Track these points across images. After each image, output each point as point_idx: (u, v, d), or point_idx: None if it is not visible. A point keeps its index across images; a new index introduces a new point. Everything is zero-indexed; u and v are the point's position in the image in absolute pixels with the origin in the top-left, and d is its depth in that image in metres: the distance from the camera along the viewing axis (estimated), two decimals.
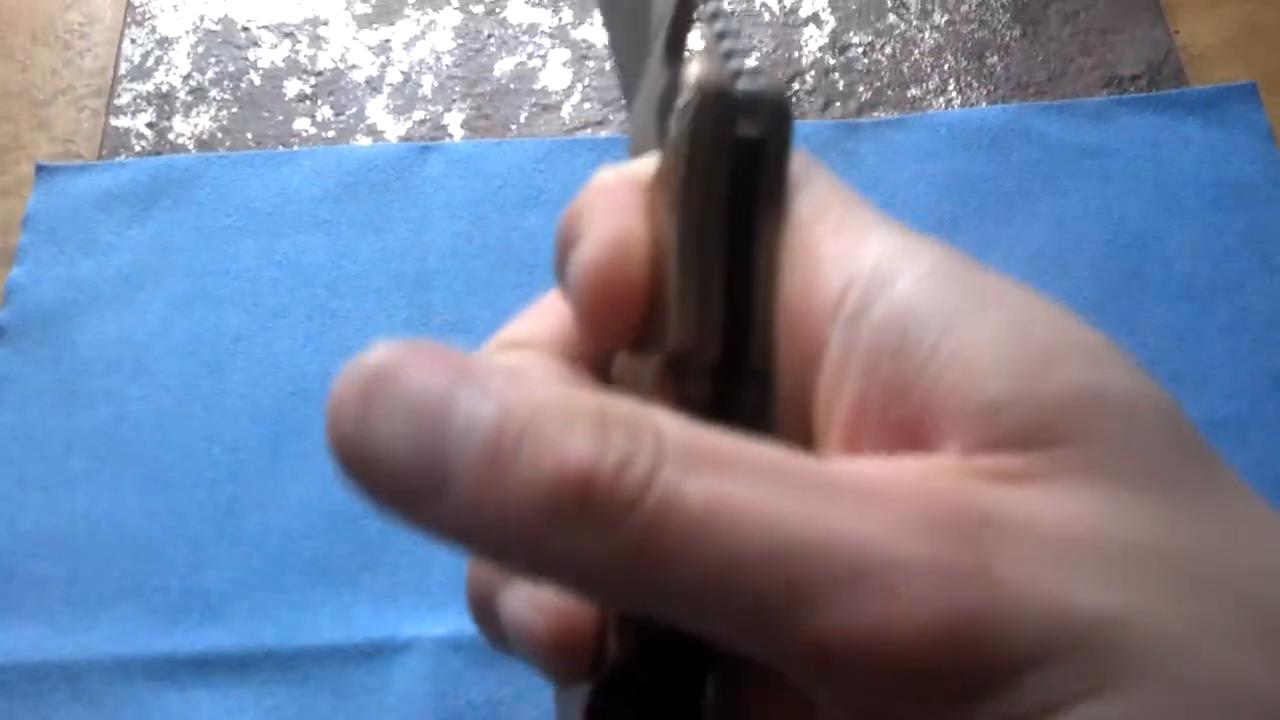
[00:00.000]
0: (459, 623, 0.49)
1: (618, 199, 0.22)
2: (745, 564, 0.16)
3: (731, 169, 0.20)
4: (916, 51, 0.62)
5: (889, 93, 0.61)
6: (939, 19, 0.63)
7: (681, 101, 0.20)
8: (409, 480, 0.17)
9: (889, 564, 0.16)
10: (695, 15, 0.23)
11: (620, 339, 0.22)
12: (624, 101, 0.26)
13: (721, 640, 0.17)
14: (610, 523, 0.16)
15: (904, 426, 0.19)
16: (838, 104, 0.61)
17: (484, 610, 0.24)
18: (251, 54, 0.64)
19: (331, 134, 0.61)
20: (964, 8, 0.64)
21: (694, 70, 0.20)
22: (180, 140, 0.62)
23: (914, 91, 0.61)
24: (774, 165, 0.21)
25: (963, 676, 0.16)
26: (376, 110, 0.62)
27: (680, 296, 0.20)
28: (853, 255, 0.20)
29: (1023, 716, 0.16)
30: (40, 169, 0.60)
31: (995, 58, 0.62)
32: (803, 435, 0.20)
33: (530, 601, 0.22)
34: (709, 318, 0.20)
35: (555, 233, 0.23)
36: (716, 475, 0.16)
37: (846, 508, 0.16)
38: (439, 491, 0.17)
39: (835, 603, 0.16)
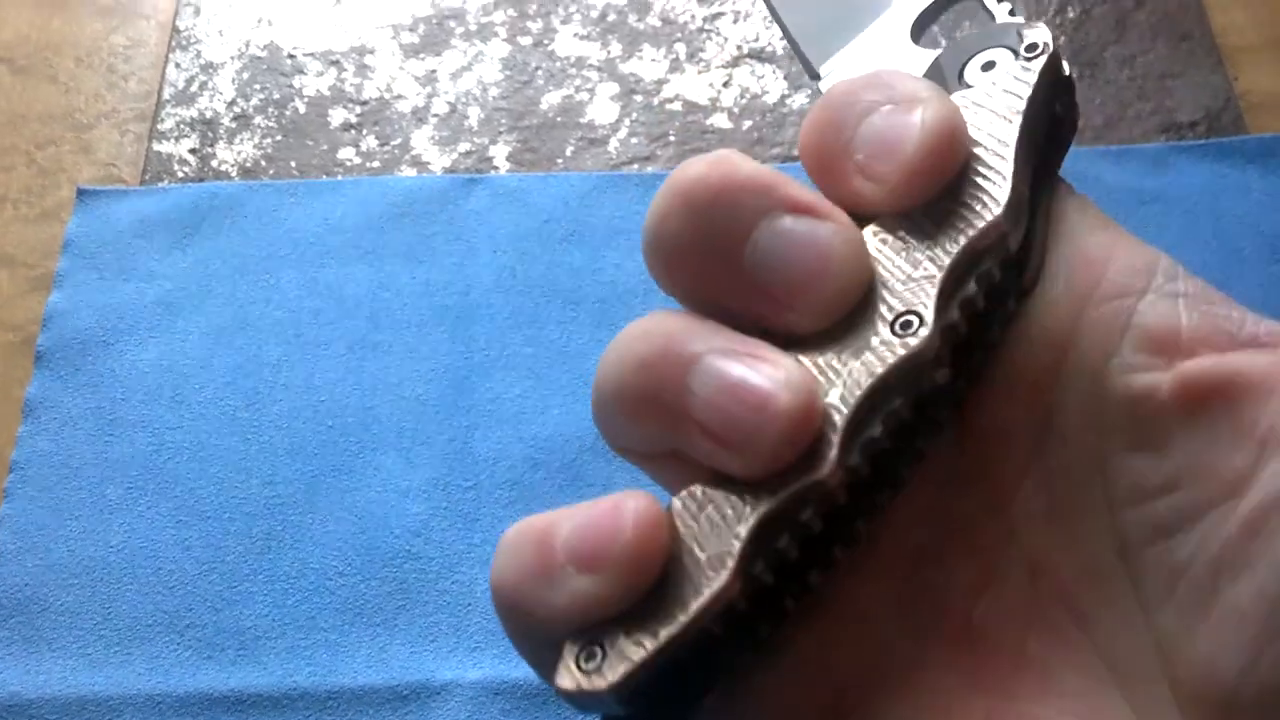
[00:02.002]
0: (497, 667, 0.48)
1: (926, 83, 0.23)
2: None
3: (1052, 109, 0.25)
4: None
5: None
6: None
7: (1027, 44, 0.24)
8: None
9: None
10: None
11: (927, 195, 0.23)
12: (801, 65, 0.29)
13: None
14: None
15: None
16: None
17: (663, 385, 0.22)
18: (297, 81, 0.64)
19: (376, 164, 0.61)
20: None
21: (1039, 30, 0.24)
22: (223, 167, 0.61)
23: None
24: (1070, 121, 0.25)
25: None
26: (422, 141, 0.61)
27: (1013, 184, 0.23)
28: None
29: None
30: (81, 193, 0.60)
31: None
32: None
33: (777, 374, 0.21)
34: (1023, 212, 0.23)
35: (833, 101, 0.24)
36: None
37: None
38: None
39: None
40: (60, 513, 0.52)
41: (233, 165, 0.61)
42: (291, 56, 0.65)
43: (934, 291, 0.22)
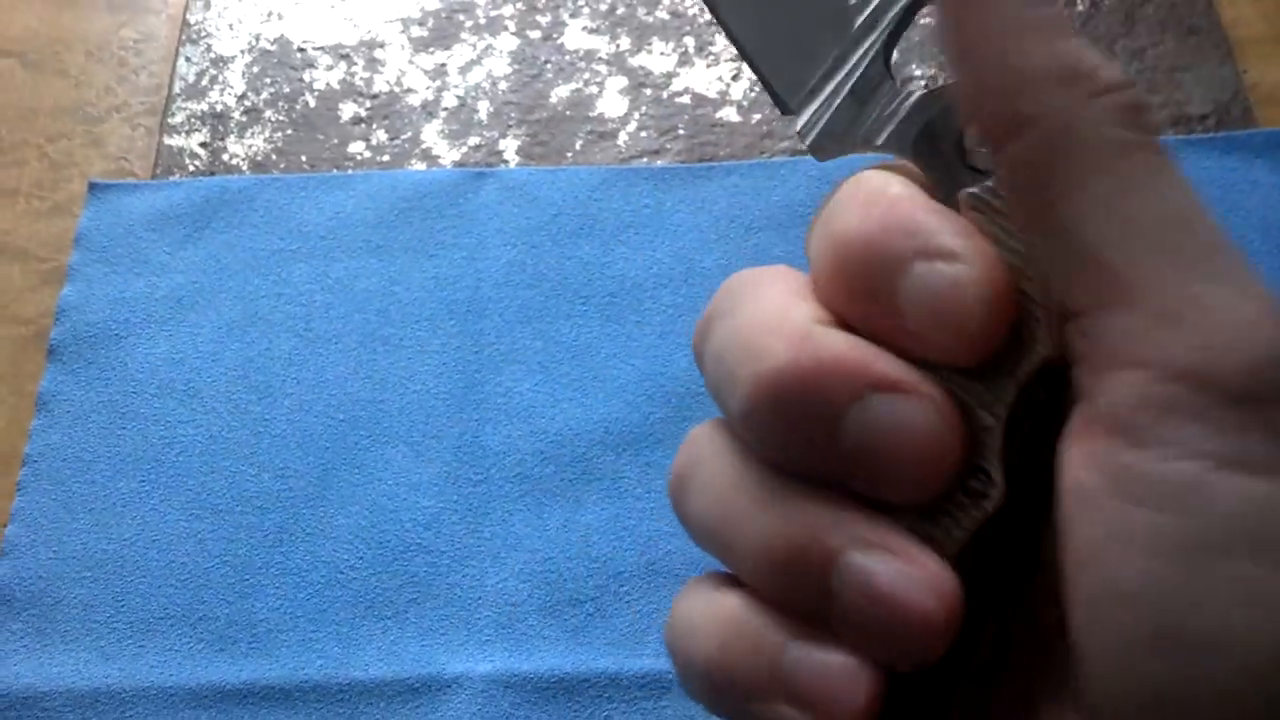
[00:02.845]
0: (507, 660, 0.49)
1: (946, 217, 0.22)
2: (1164, 212, 0.20)
3: None
4: None
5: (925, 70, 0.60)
6: None
7: None
8: None
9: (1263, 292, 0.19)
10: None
11: (975, 358, 0.22)
12: (770, 98, 0.27)
13: (1084, 255, 0.20)
14: (1118, 118, 0.20)
15: None
16: None
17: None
18: (307, 75, 0.64)
19: (386, 158, 0.61)
20: None
21: None
22: (234, 161, 0.61)
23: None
24: None
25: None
26: (432, 135, 0.62)
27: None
28: None
29: None
30: (93, 186, 0.60)
31: None
32: None
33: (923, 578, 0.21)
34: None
35: (856, 245, 0.22)
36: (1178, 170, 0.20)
37: None
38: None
39: (1217, 283, 0.19)
40: (73, 506, 0.52)
41: (243, 159, 0.61)
42: (302, 50, 0.65)
43: (997, 447, 0.22)
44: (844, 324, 0.23)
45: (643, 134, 0.61)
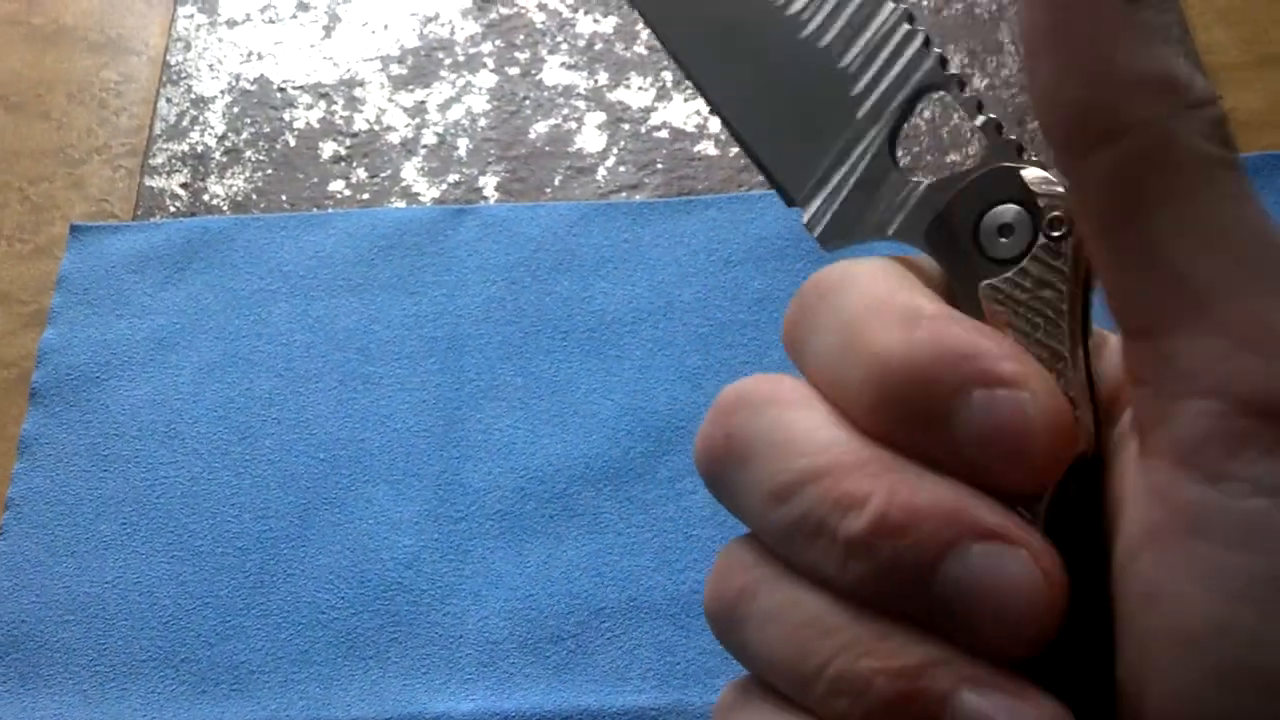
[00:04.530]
0: (489, 699, 0.49)
1: (996, 339, 0.22)
2: (1246, 233, 0.19)
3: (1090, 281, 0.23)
4: (956, 116, 0.61)
5: (927, 158, 0.61)
6: (979, 83, 0.63)
7: (1048, 217, 0.23)
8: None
9: None
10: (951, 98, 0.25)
11: (1040, 486, 0.22)
12: (775, 191, 0.27)
13: (1162, 277, 0.19)
14: (1209, 132, 0.19)
15: None
16: None
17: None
18: (287, 115, 0.64)
19: (366, 196, 0.61)
20: (1004, 72, 0.63)
21: (1039, 177, 0.23)
22: (215, 201, 0.62)
23: (953, 157, 0.60)
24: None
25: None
26: (411, 173, 0.62)
27: (1088, 410, 0.22)
28: None
29: None
30: (74, 229, 0.60)
31: (1037, 123, 0.61)
32: None
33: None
34: (1093, 424, 0.22)
35: (906, 372, 0.21)
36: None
37: None
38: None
39: None
40: (55, 549, 0.52)
41: (224, 199, 0.62)
42: (281, 90, 0.65)
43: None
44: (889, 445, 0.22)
45: (621, 169, 0.61)
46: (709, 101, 0.28)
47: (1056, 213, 0.23)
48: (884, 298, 0.22)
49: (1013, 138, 0.24)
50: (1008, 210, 0.23)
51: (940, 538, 0.20)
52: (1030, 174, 0.23)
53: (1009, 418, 0.20)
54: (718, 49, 0.27)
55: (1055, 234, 0.23)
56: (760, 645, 0.23)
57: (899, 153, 0.25)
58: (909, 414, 0.21)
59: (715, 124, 0.62)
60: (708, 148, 0.62)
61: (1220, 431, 0.18)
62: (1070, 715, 0.21)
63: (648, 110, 0.63)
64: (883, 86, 0.25)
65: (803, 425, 0.22)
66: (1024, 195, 0.23)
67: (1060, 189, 0.23)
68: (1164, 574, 0.19)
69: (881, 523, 0.21)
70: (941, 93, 0.25)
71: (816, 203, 0.26)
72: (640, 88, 0.64)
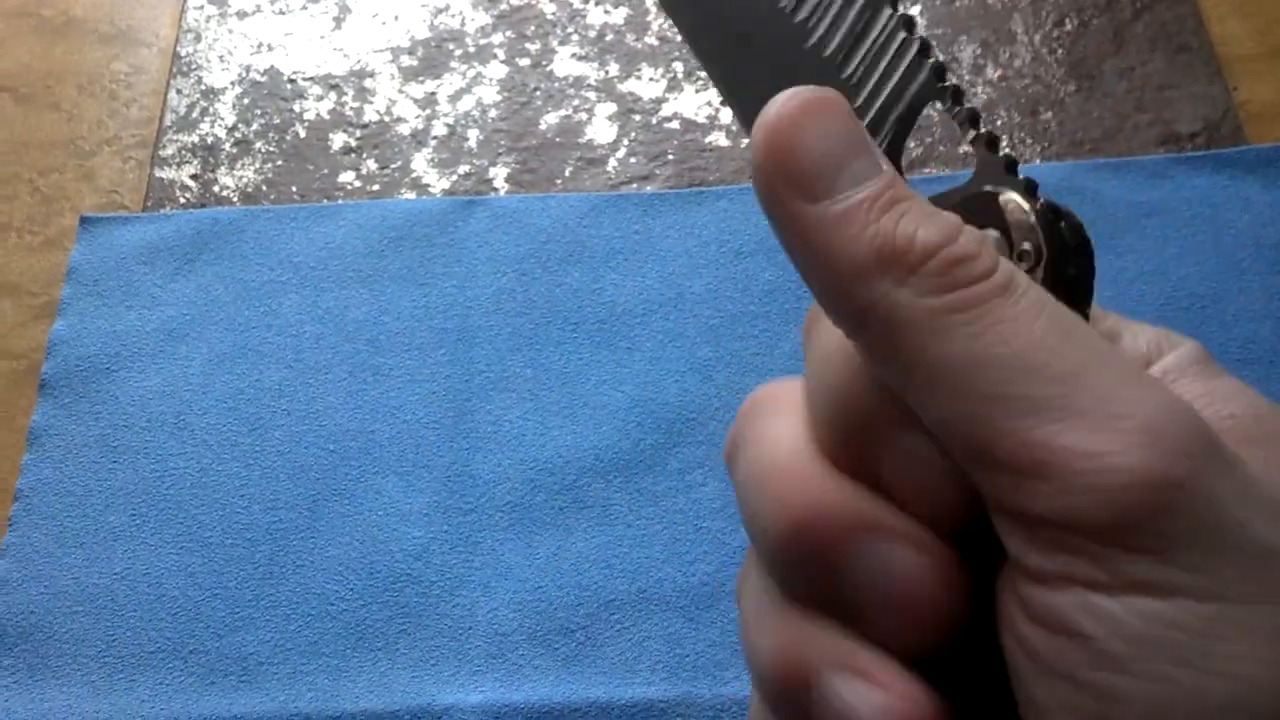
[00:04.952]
0: (498, 691, 0.48)
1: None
2: (998, 365, 0.19)
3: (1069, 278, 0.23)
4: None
5: (940, 149, 0.60)
6: (992, 74, 0.62)
7: (1018, 247, 0.23)
8: (805, 174, 0.21)
9: (1120, 411, 0.19)
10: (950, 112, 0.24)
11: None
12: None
13: (947, 424, 0.20)
14: (931, 286, 0.20)
15: None
16: None
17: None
18: (297, 106, 0.64)
19: (376, 187, 0.61)
20: (1017, 63, 0.63)
21: (1020, 206, 0.23)
22: (225, 193, 0.61)
23: (966, 148, 0.60)
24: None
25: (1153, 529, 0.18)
26: (421, 164, 0.62)
27: None
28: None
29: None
30: (84, 220, 0.60)
31: (1049, 114, 0.61)
32: None
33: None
34: None
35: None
36: (1026, 304, 0.20)
37: (1105, 366, 0.20)
38: (819, 196, 0.21)
39: (1064, 421, 0.19)
40: (65, 541, 0.52)
41: (234, 190, 0.61)
42: (292, 81, 0.65)
43: None
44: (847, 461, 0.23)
45: (632, 160, 0.61)
46: (734, 110, 0.28)
47: (1025, 245, 0.23)
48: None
49: (1005, 152, 0.23)
50: (989, 235, 0.23)
51: (848, 536, 0.22)
52: (1007, 200, 0.23)
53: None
54: (735, 53, 0.27)
55: (1024, 266, 0.23)
56: (742, 623, 0.25)
57: (903, 153, 0.25)
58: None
59: (726, 115, 0.62)
60: (719, 139, 0.61)
61: (1031, 542, 0.20)
62: (940, 713, 0.21)
63: (659, 101, 0.63)
64: (880, 100, 0.25)
65: (773, 433, 0.24)
66: (1000, 222, 0.23)
67: (1033, 218, 0.23)
68: (1016, 659, 0.20)
69: (794, 528, 0.22)
70: (937, 104, 0.24)
71: None
72: (651, 79, 0.64)
